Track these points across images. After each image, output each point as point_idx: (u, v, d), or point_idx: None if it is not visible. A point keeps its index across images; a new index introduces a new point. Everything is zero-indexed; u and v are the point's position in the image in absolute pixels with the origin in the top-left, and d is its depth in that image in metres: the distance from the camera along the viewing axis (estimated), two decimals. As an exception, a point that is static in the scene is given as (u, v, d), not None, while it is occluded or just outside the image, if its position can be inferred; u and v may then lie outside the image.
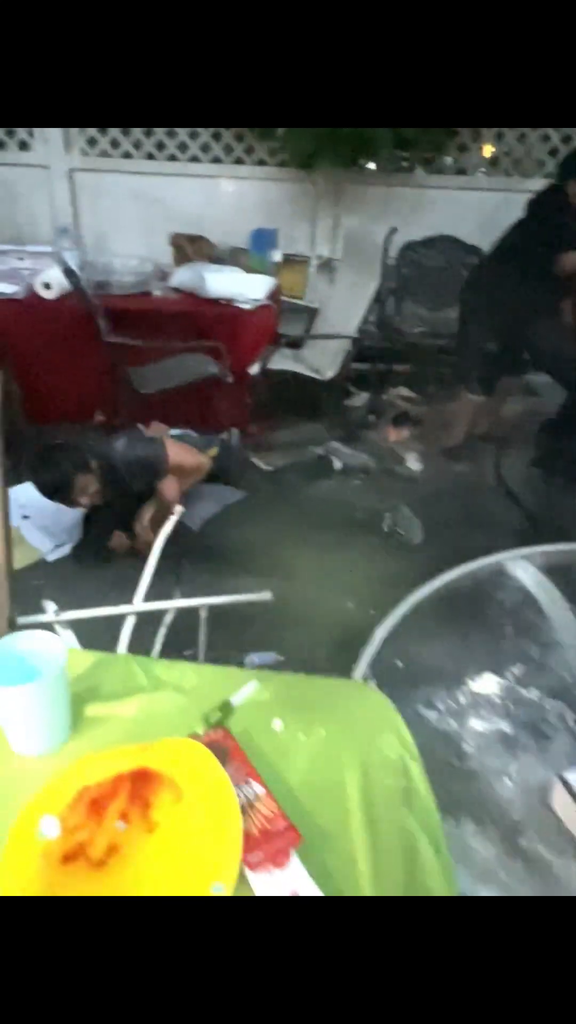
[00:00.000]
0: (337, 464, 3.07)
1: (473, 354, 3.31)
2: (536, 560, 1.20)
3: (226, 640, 2.06)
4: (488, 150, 4.53)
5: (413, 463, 3.29)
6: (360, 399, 4.04)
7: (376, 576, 2.23)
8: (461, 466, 3.34)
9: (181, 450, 2.34)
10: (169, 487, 2.27)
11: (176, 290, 3.56)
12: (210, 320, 3.35)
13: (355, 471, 3.12)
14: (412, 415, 3.79)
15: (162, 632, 1.47)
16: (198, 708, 0.74)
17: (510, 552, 1.19)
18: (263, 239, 3.91)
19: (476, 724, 0.83)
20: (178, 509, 1.40)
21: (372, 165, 4.49)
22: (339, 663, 1.13)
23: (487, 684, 0.93)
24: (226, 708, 0.74)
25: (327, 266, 4.34)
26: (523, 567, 1.17)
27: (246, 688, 0.77)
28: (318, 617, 2.11)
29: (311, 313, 4.06)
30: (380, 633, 1.03)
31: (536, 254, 3.01)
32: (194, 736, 0.70)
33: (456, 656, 0.97)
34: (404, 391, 4.11)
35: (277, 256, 3.92)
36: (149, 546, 1.42)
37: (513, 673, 0.96)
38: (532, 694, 0.92)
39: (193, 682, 0.78)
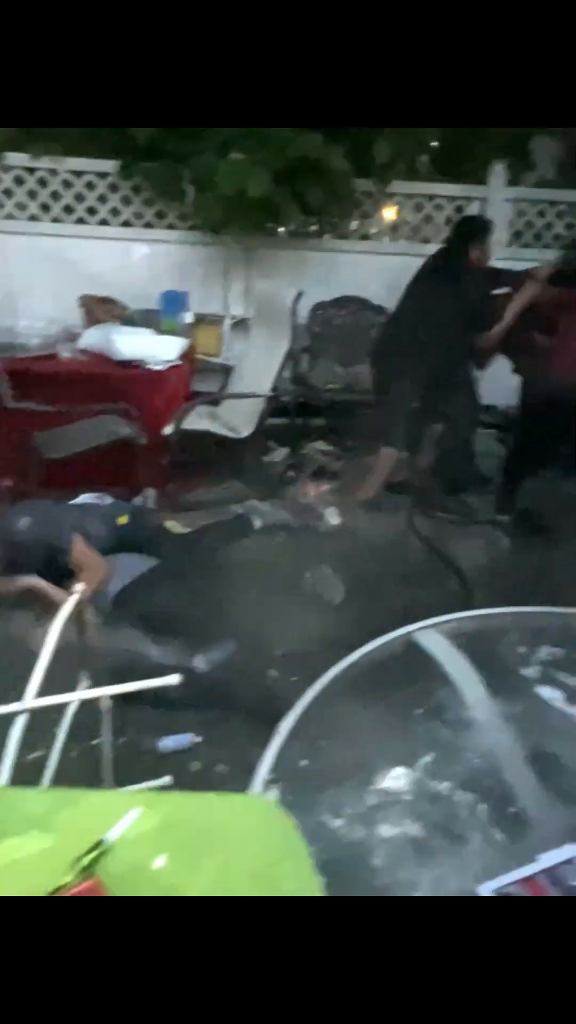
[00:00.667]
0: (257, 523, 3.03)
1: (389, 410, 3.38)
2: (447, 629, 1.17)
3: (140, 720, 1.94)
4: (390, 218, 4.77)
5: (332, 518, 3.29)
6: (279, 455, 4.05)
7: (298, 640, 2.17)
8: (380, 518, 3.36)
9: (86, 552, 2.19)
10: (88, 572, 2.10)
11: (86, 352, 3.50)
12: (121, 382, 3.29)
13: (275, 529, 3.08)
14: (330, 469, 3.82)
15: (65, 725, 1.35)
16: (69, 850, 0.64)
17: (418, 624, 1.16)
18: (174, 301, 3.92)
19: (385, 830, 0.77)
20: (74, 595, 1.30)
21: (281, 229, 4.64)
22: (260, 740, 1.05)
23: (396, 779, 0.87)
24: (100, 849, 0.65)
25: (241, 326, 4.39)
26: (433, 638, 1.14)
27: (127, 818, 0.68)
28: (239, 689, 2.01)
29: (226, 371, 4.08)
30: (285, 727, 0.96)
31: (436, 312, 3.16)
32: (59, 891, 0.60)
33: (364, 747, 0.91)
34: (322, 445, 4.15)
35: (188, 317, 3.94)
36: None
37: (424, 763, 0.91)
38: (443, 786, 0.86)
39: (67, 815, 0.69)
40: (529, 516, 3.31)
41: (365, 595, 2.55)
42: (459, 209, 4.73)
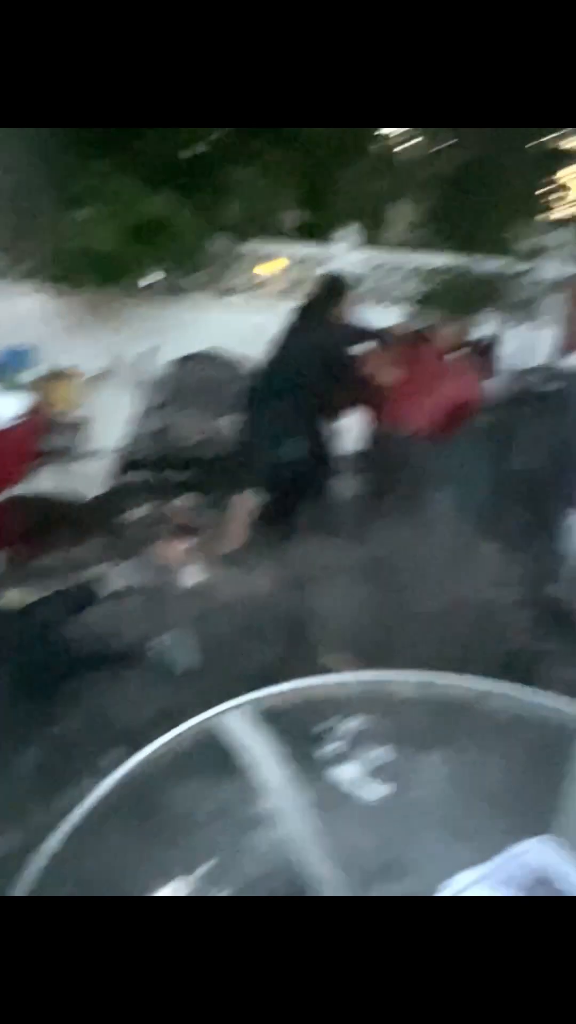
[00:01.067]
0: (105, 589, 2.85)
1: (259, 458, 3.37)
2: (253, 709, 1.08)
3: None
4: (247, 274, 4.87)
5: (192, 576, 3.17)
6: (139, 512, 3.90)
7: (139, 719, 2.01)
8: (243, 572, 3.28)
9: None
10: None
11: None
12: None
13: (127, 594, 2.92)
14: (193, 525, 3.71)
15: None
16: None
17: (221, 706, 1.06)
18: (15, 358, 3.74)
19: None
20: None
21: (142, 283, 4.60)
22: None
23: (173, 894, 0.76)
24: None
25: (97, 380, 4.26)
26: (236, 722, 1.04)
27: None
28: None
29: (78, 427, 3.91)
30: (48, 848, 0.82)
31: (297, 363, 3.25)
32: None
33: (138, 866, 0.79)
34: (185, 500, 4.05)
35: (29, 375, 3.77)
36: None
37: (206, 871, 0.80)
38: (224, 893, 0.76)
39: None
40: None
41: (222, 659, 2.44)
42: (315, 267, 4.92)
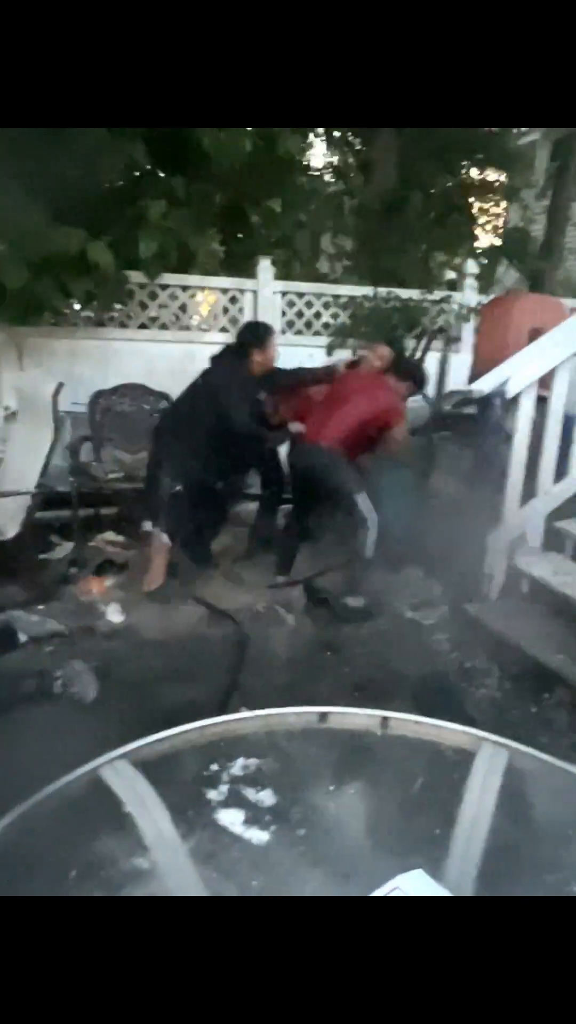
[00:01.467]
0: (21, 636, 2.74)
1: (161, 495, 3.33)
2: (140, 756, 1.04)
3: None
4: (165, 308, 4.88)
5: (114, 615, 3.09)
6: (62, 550, 3.79)
7: (40, 756, 1.92)
8: (167, 610, 3.22)
9: None
10: None
11: None
12: None
13: (45, 638, 2.81)
14: (118, 562, 3.63)
15: None
16: None
17: (108, 755, 1.02)
18: None
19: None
20: None
21: (59, 318, 4.54)
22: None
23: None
24: None
25: (13, 418, 4.15)
26: (122, 771, 1.00)
27: None
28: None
29: (-6, 466, 3.79)
30: None
31: (210, 405, 3.26)
32: None
33: None
34: (110, 536, 3.97)
35: None
36: None
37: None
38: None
39: None
40: (312, 589, 3.38)
41: (132, 698, 2.36)
42: (233, 300, 4.97)
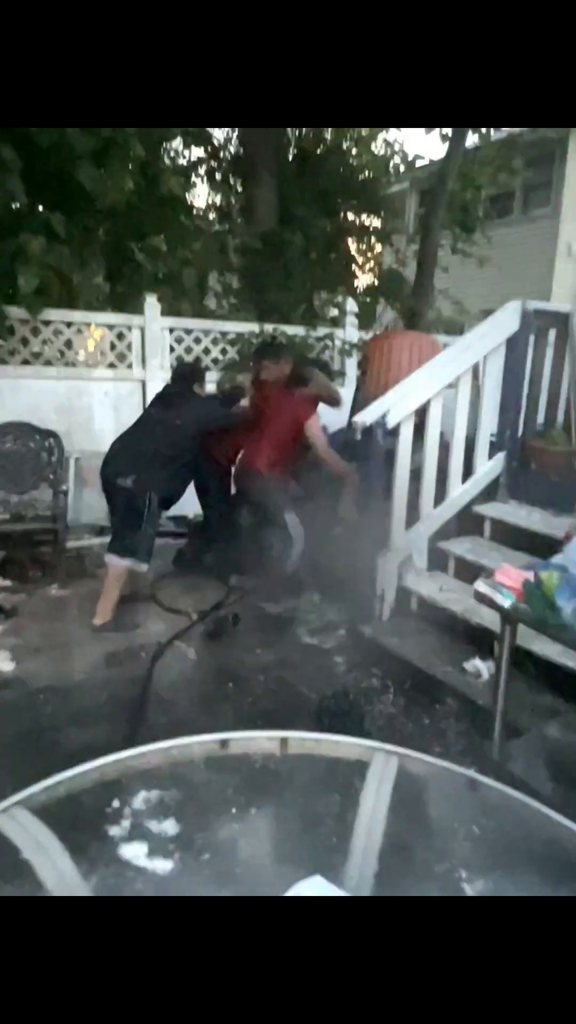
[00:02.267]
0: None
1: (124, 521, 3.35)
2: (36, 802, 1.02)
3: None
4: (53, 345, 4.78)
5: (3, 663, 2.94)
6: (-55, 599, 3.57)
7: None
8: (65, 655, 3.11)
9: None
10: None
11: None
12: None
13: None
14: (5, 608, 3.47)
15: None
16: None
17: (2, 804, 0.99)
18: None
19: None
20: None
21: None
22: None
23: None
24: None
25: None
26: (18, 817, 0.98)
27: None
28: None
29: None
30: None
31: (173, 430, 3.46)
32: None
33: None
34: (-1, 580, 3.79)
35: None
36: None
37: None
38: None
39: None
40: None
41: (20, 748, 2.26)
42: (120, 336, 4.95)
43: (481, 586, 1.60)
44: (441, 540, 3.51)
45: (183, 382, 3.70)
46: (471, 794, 1.11)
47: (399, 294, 7.04)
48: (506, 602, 1.50)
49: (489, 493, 3.69)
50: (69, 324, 4.76)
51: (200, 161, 7.89)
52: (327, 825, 1.06)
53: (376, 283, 7.93)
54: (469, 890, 0.91)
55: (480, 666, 2.75)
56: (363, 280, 8.27)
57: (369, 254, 8.73)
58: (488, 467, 3.66)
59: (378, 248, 8.65)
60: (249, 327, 5.45)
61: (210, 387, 4.25)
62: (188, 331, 5.21)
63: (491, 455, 3.67)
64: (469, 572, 3.24)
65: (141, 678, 2.84)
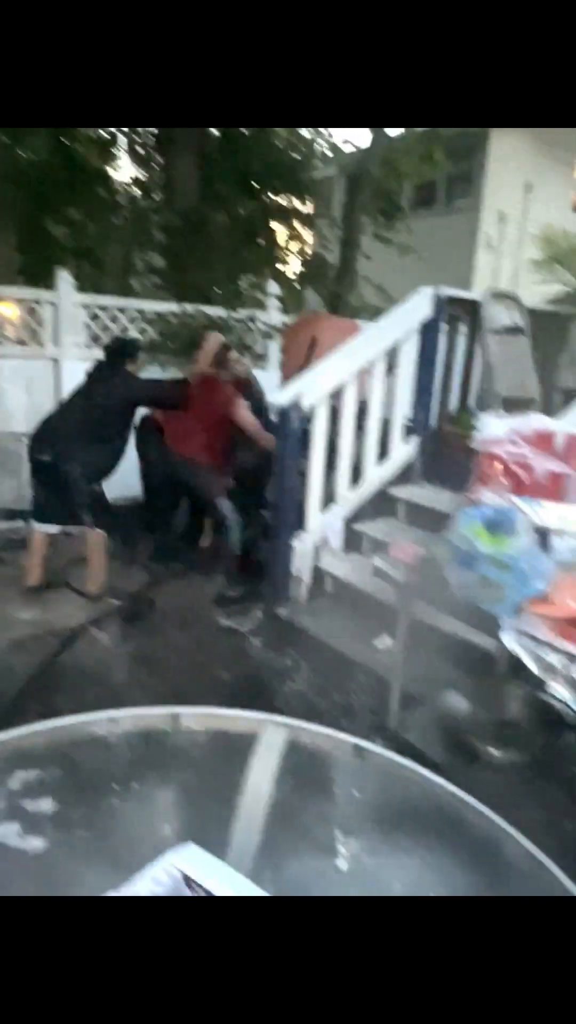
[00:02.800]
0: None
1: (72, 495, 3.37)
2: None
3: None
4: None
5: None
6: None
7: None
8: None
9: None
10: None
11: None
12: None
13: None
14: None
15: None
16: None
17: None
18: None
19: None
20: None
21: None
22: None
23: None
24: None
25: None
26: None
27: None
28: None
29: None
30: None
31: (106, 405, 3.43)
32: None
33: None
34: None
35: None
36: None
37: None
38: None
39: None
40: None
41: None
42: (31, 311, 4.75)
43: (378, 561, 1.64)
44: (357, 522, 3.57)
45: (114, 358, 3.62)
46: (357, 760, 1.14)
47: (323, 278, 7.07)
48: (400, 576, 1.55)
49: (404, 476, 3.78)
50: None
51: (120, 133, 7.64)
52: (213, 797, 1.06)
53: (301, 267, 7.94)
54: (343, 851, 0.94)
55: (390, 642, 2.82)
56: (288, 264, 8.27)
57: (294, 238, 8.73)
58: (403, 451, 3.74)
59: (304, 232, 8.66)
60: (168, 306, 5.34)
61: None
62: (104, 308, 5.05)
63: (406, 439, 3.76)
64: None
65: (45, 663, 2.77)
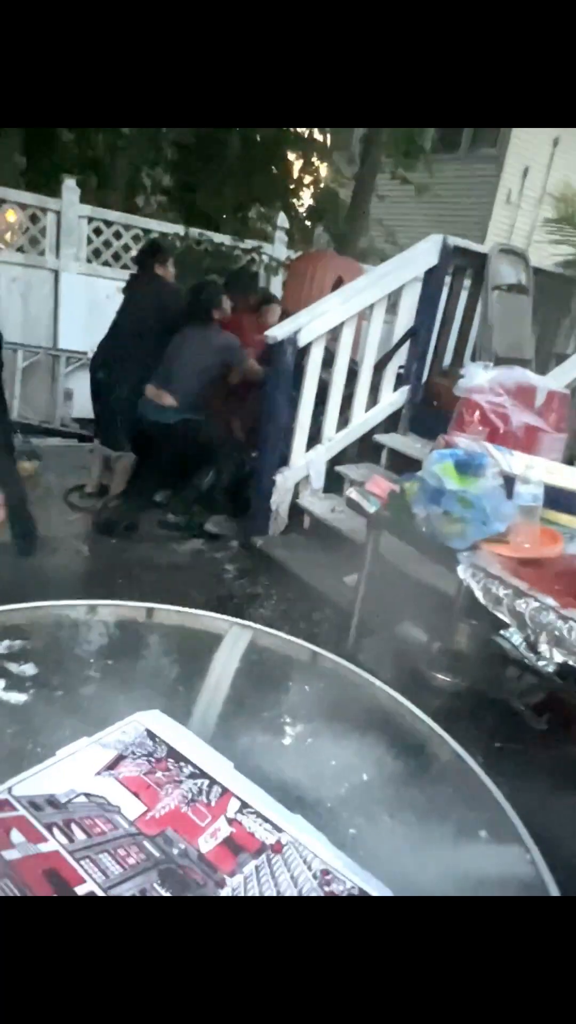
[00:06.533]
0: None
1: (115, 418, 3.49)
2: None
3: None
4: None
5: None
6: None
7: None
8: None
9: None
10: None
11: None
12: None
13: None
14: None
15: None
16: None
17: None
18: None
19: None
20: None
21: None
22: None
23: None
24: None
25: None
26: None
27: None
28: None
29: None
30: None
31: (149, 330, 3.43)
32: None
33: None
34: None
35: None
36: None
37: None
38: None
39: None
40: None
41: None
42: (34, 219, 4.65)
43: (352, 494, 1.74)
44: (339, 464, 3.65)
45: (144, 259, 3.58)
46: (310, 663, 1.26)
47: (334, 215, 6.92)
48: (371, 508, 1.64)
49: (391, 424, 3.85)
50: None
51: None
52: (178, 680, 1.18)
53: (313, 202, 7.74)
54: (290, 732, 1.06)
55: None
56: (300, 197, 8.04)
57: (309, 170, 8.46)
58: (393, 398, 3.79)
59: (319, 166, 8.39)
60: (174, 228, 5.23)
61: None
62: (108, 223, 4.95)
63: (397, 387, 3.81)
64: (361, 495, 3.42)
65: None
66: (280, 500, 3.46)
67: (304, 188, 7.93)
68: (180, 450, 3.56)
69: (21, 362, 4.57)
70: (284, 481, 3.44)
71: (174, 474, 3.70)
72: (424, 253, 3.55)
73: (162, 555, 3.31)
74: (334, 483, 3.64)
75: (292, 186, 7.47)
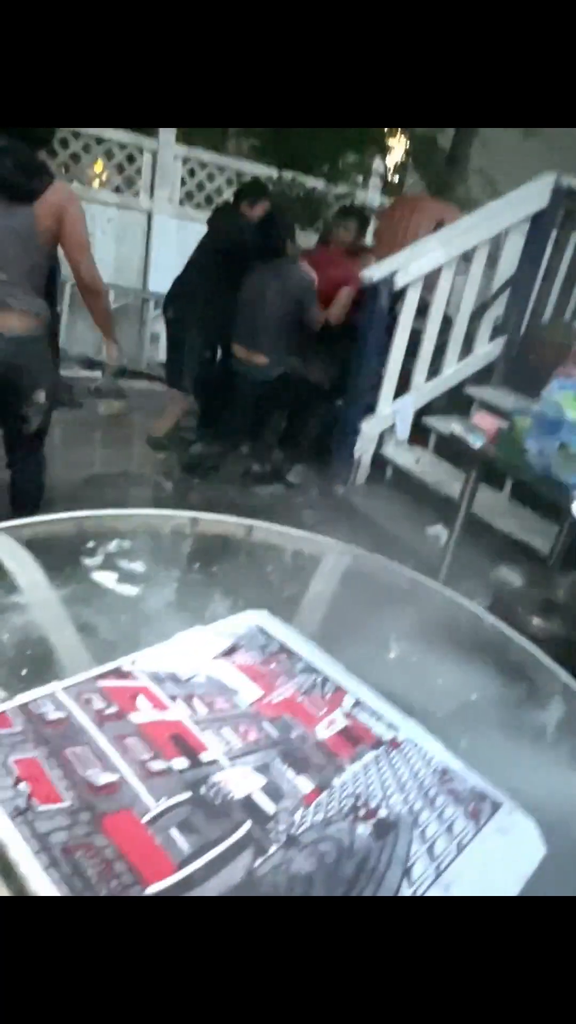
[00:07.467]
0: None
1: (181, 357, 3.44)
2: (18, 534, 1.11)
3: None
4: (57, 158, 4.47)
5: None
6: None
7: None
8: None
9: None
10: None
11: None
12: None
13: None
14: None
15: None
16: None
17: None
18: None
19: None
20: None
21: None
22: None
23: None
24: None
25: None
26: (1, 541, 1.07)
27: None
28: None
29: None
30: None
31: (220, 265, 3.32)
32: None
33: None
34: None
35: None
36: None
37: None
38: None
39: None
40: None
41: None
42: (130, 158, 4.65)
43: (456, 427, 1.67)
44: (427, 415, 3.55)
45: (236, 198, 3.53)
46: (411, 587, 1.24)
47: (431, 164, 6.62)
48: (477, 442, 1.58)
49: (484, 376, 3.70)
50: (76, 135, 4.44)
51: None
52: (280, 592, 1.18)
53: (410, 147, 7.42)
54: (394, 648, 1.04)
55: (442, 532, 2.89)
56: (397, 142, 7.71)
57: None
58: (487, 349, 3.64)
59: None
60: (268, 172, 5.13)
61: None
62: (203, 164, 4.90)
63: (492, 338, 3.65)
64: (448, 449, 3.32)
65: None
66: (364, 449, 3.41)
67: (402, 133, 7.59)
68: (281, 403, 3.54)
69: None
70: (369, 429, 3.38)
71: (258, 423, 3.69)
72: (534, 195, 3.33)
73: (243, 497, 3.34)
74: (417, 435, 3.55)
75: (389, 131, 7.16)
